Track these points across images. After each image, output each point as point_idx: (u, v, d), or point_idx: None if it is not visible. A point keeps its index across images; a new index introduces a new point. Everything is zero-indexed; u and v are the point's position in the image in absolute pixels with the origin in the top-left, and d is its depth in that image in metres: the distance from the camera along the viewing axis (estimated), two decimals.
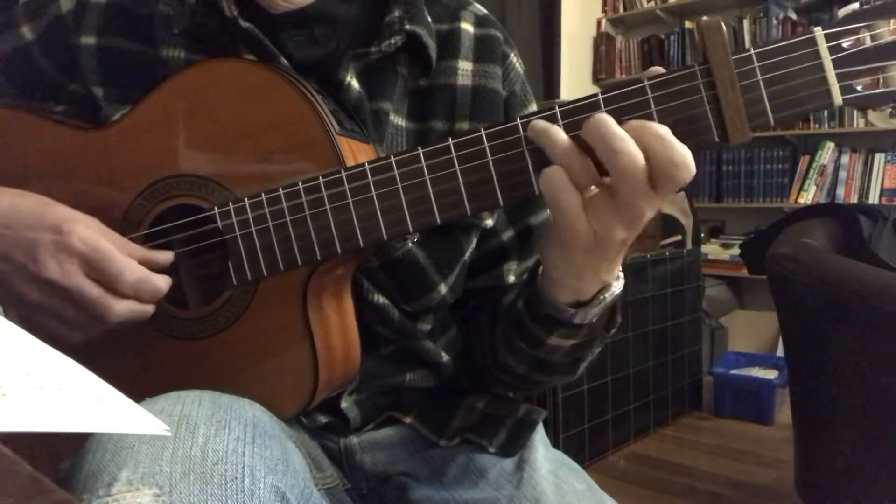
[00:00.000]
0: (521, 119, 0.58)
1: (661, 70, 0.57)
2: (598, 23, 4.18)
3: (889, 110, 0.56)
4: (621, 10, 4.11)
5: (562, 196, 0.56)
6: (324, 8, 0.72)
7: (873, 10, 0.54)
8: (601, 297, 0.63)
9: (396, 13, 0.72)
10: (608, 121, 0.54)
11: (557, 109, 0.57)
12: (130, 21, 0.74)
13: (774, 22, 3.59)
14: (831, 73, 0.54)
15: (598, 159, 0.55)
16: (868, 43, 0.54)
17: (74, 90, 0.76)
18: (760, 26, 3.65)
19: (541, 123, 0.57)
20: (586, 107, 0.57)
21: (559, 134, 0.56)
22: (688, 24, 3.96)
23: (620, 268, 0.64)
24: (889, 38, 0.54)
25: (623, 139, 0.53)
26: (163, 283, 0.65)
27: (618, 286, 0.64)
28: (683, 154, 0.53)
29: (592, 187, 0.56)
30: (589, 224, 0.56)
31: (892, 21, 0.54)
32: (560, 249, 0.60)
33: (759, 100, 0.55)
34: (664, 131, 0.53)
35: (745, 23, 3.69)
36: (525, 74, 0.81)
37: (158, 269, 0.66)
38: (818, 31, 0.54)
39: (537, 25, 3.82)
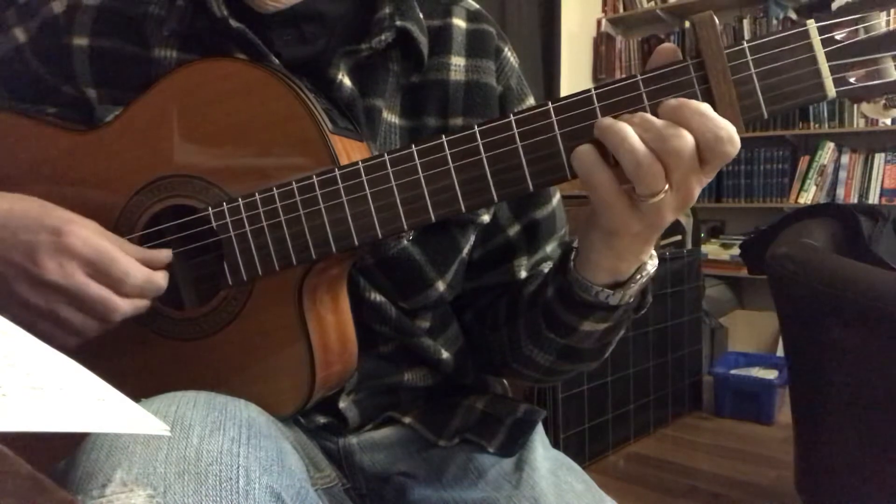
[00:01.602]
0: (513, 115, 0.58)
1: (672, 46, 0.58)
2: (598, 23, 4.18)
3: (883, 102, 0.55)
4: (621, 10, 4.11)
5: (594, 171, 0.56)
6: (313, 6, 0.72)
7: (867, 2, 0.53)
8: (637, 277, 0.63)
9: (387, 9, 0.72)
10: (649, 116, 0.55)
11: (551, 106, 0.57)
12: (122, 22, 0.74)
13: (774, 22, 3.59)
14: (824, 66, 0.54)
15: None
16: (861, 35, 0.54)
17: (67, 92, 0.76)
18: (760, 26, 3.64)
19: (606, 121, 0.56)
20: (579, 102, 0.57)
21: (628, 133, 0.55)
22: (688, 25, 3.96)
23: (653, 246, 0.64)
24: (882, 30, 0.53)
25: (669, 125, 0.54)
26: (164, 281, 0.66)
27: (653, 265, 0.64)
28: (728, 128, 0.53)
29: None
30: (640, 209, 0.56)
31: (885, 13, 0.53)
32: (608, 237, 0.60)
33: (753, 93, 0.55)
34: (705, 108, 0.53)
35: (745, 23, 3.69)
36: (522, 71, 0.81)
37: (157, 267, 0.66)
38: (811, 24, 0.54)
39: (537, 25, 3.82)
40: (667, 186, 0.55)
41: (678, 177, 0.54)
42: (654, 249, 0.65)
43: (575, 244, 0.65)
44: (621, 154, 0.54)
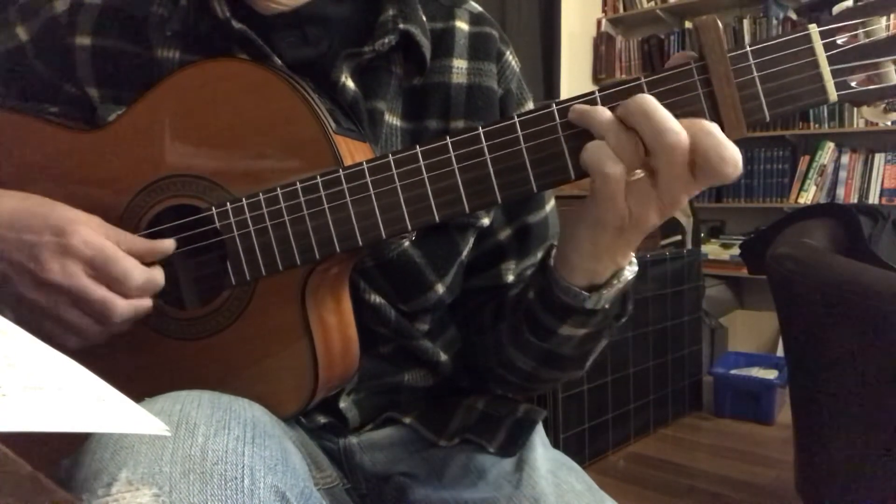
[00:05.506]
0: (518, 117, 0.58)
1: (685, 53, 0.57)
2: (598, 23, 4.18)
3: (883, 106, 0.56)
4: (621, 10, 4.11)
5: (607, 164, 0.55)
6: (316, 9, 0.72)
7: (868, 7, 0.54)
8: (614, 282, 0.63)
9: (390, 12, 0.72)
10: (653, 100, 0.54)
11: (555, 108, 0.57)
12: (125, 22, 0.74)
13: (775, 22, 3.59)
14: (826, 70, 0.54)
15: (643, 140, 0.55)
16: (862, 39, 0.54)
17: (69, 91, 0.76)
18: (761, 27, 3.65)
19: (581, 106, 0.57)
20: (584, 104, 0.57)
21: (603, 112, 0.55)
22: (688, 24, 3.96)
23: (633, 254, 0.64)
24: (883, 35, 0.54)
25: (668, 118, 0.53)
26: (162, 277, 0.66)
27: (631, 271, 0.64)
28: (733, 152, 0.53)
29: (638, 172, 0.56)
30: (627, 203, 0.56)
31: (885, 18, 0.54)
32: (592, 228, 0.59)
33: (755, 96, 0.55)
34: (713, 128, 0.53)
35: (746, 23, 3.69)
36: (522, 73, 0.81)
37: (161, 258, 0.66)
38: (813, 28, 0.54)
39: (537, 25, 3.82)
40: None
41: (665, 173, 0.55)
42: (635, 255, 0.64)
43: (555, 243, 0.66)
44: (656, 141, 0.54)
